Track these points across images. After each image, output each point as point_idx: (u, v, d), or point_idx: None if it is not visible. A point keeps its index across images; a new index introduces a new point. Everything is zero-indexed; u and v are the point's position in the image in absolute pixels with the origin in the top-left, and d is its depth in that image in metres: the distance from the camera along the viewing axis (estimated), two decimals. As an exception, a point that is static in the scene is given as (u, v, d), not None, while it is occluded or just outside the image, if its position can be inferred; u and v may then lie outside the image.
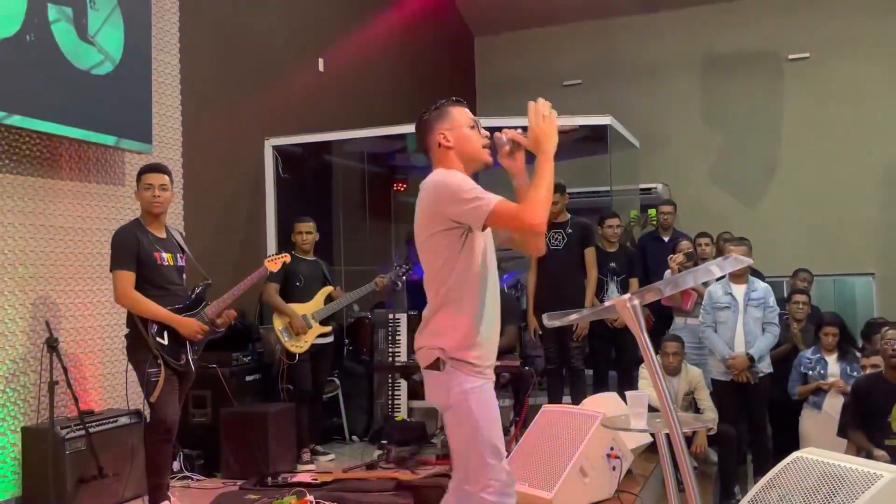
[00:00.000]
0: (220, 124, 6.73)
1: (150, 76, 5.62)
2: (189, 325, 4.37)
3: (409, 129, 7.82)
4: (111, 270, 4.39)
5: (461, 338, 2.75)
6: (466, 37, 11.72)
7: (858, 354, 6.09)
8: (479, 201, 2.61)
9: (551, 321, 2.66)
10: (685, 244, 6.91)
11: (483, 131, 2.90)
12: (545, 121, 2.65)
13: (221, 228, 6.73)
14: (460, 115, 2.89)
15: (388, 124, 7.66)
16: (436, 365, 2.76)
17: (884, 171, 9.87)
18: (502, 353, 6.20)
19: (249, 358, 6.11)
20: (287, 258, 5.43)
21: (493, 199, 2.61)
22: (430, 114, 2.91)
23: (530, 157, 2.82)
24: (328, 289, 6.11)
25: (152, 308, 4.31)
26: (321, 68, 8.21)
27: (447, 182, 2.74)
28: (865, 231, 9.80)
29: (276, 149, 7.41)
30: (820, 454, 3.32)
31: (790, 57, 10.28)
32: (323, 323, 5.96)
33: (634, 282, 6.71)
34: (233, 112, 6.91)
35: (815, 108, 10.15)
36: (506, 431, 6.35)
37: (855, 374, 5.82)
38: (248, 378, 6.00)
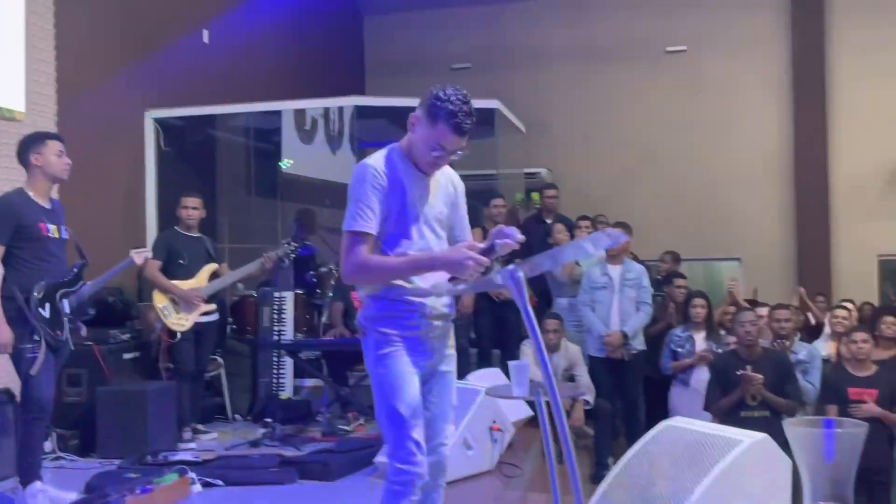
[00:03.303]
0: (99, 93, 6.47)
1: (21, 40, 5.35)
2: None
3: (297, 104, 7.81)
4: None
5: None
6: (356, 15, 11.65)
7: (723, 333, 6.45)
8: None
9: (438, 292, 2.73)
10: (559, 227, 7.13)
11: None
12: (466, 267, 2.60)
13: (99, 201, 6.48)
14: None
15: (275, 99, 7.55)
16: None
17: (751, 161, 10.48)
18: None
19: (128, 335, 5.94)
20: (149, 253, 5.48)
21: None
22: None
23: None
24: (213, 266, 5.99)
25: None
26: (206, 39, 8.00)
27: None
28: (733, 217, 10.38)
29: (158, 121, 7.20)
30: (687, 423, 3.53)
31: (668, 49, 10.74)
32: (207, 300, 5.85)
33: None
34: (113, 81, 6.65)
35: (690, 99, 10.65)
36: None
37: (720, 351, 6.17)
38: (126, 356, 5.84)
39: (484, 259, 2.59)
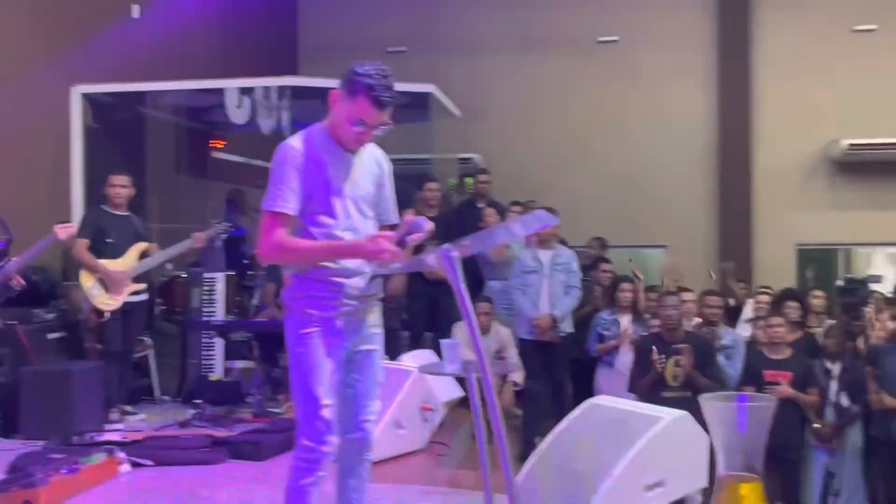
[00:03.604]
0: (26, 68, 6.29)
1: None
2: None
3: (229, 83, 7.70)
4: None
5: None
6: (290, -6, 11.53)
7: (647, 317, 6.65)
8: None
9: (376, 270, 2.76)
10: (489, 211, 7.23)
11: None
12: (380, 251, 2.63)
13: (24, 178, 6.32)
14: None
15: (207, 78, 7.44)
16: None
17: (679, 151, 10.77)
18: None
19: (53, 315, 5.82)
20: (73, 228, 5.35)
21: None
22: None
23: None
24: (142, 245, 5.90)
25: None
26: (136, 15, 7.82)
27: None
28: (660, 206, 10.66)
29: (86, 97, 7.02)
30: (610, 401, 3.67)
31: (600, 39, 10.92)
32: (135, 280, 5.76)
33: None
34: (40, 56, 6.46)
35: (622, 89, 10.87)
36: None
37: (644, 334, 6.37)
38: (51, 336, 5.73)
39: (398, 251, 2.62)
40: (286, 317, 2.85)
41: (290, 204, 2.71)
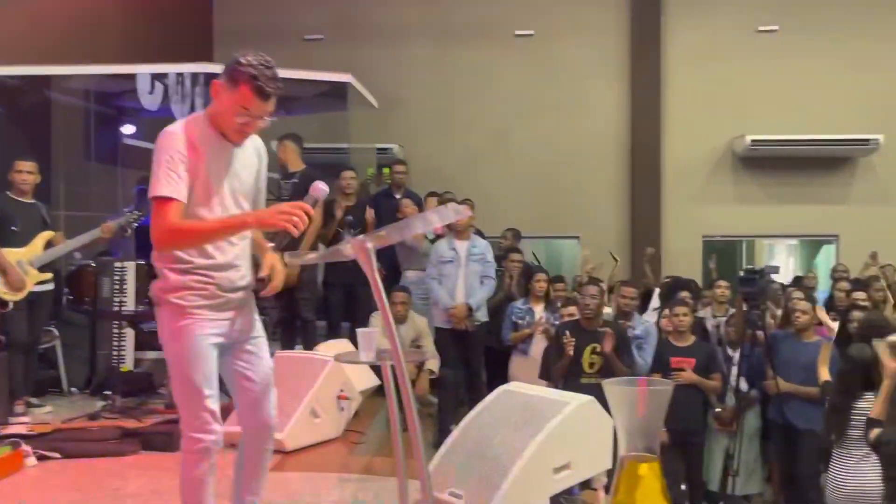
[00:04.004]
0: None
1: None
2: None
3: (141, 69, 7.52)
4: None
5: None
6: (204, -22, 11.30)
7: (559, 305, 6.82)
8: None
9: (292, 259, 2.78)
10: (406, 201, 7.29)
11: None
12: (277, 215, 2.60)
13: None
14: None
15: (118, 63, 7.25)
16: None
17: (592, 144, 11.02)
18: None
19: (-47, 305, 5.60)
20: None
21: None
22: None
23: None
24: (48, 234, 5.74)
25: None
26: (43, -5, 7.57)
27: None
28: (574, 197, 10.91)
29: (-11, 79, 6.77)
30: (522, 387, 3.78)
31: (517, 33, 11.08)
32: (42, 270, 5.60)
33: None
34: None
35: (538, 82, 11.05)
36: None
37: (556, 322, 6.53)
38: (-48, 326, 5.51)
39: (305, 205, 2.60)
40: (158, 310, 2.80)
41: (179, 189, 2.67)
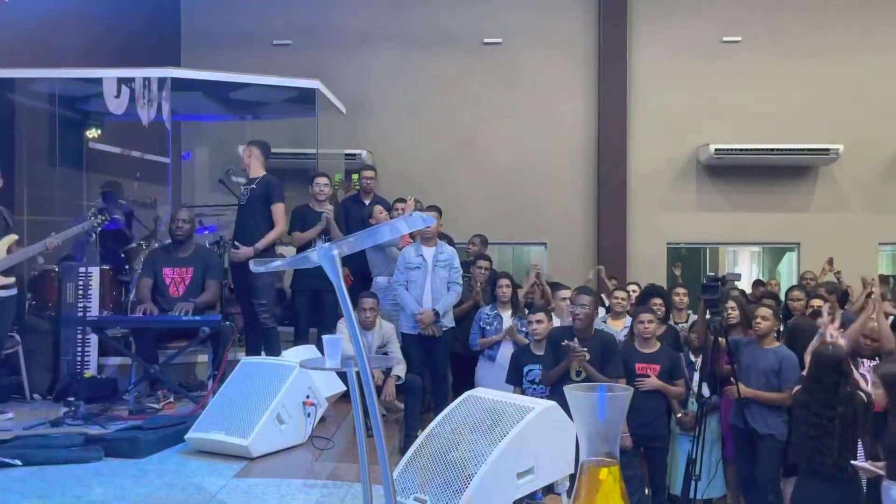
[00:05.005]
0: None
1: None
2: None
3: (107, 73, 7.48)
4: None
5: None
6: (172, -18, 11.23)
7: (527, 311, 6.87)
8: None
9: (257, 267, 2.79)
10: (378, 208, 7.32)
11: None
12: None
13: None
14: None
15: (83, 66, 7.19)
16: None
17: (560, 151, 11.13)
18: (205, 308, 6.23)
19: (-87, 311, 5.52)
20: None
21: None
22: None
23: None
24: (11, 238, 5.67)
25: None
26: (5, -2, 7.48)
27: None
28: (541, 204, 11.01)
29: (-50, 82, 6.68)
30: (487, 393, 3.81)
31: (485, 41, 11.16)
32: (4, 274, 5.54)
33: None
34: None
35: (506, 90, 11.14)
36: (203, 385, 6.41)
37: (524, 329, 6.57)
38: (-89, 333, 5.43)
39: None
40: None
41: None
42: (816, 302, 6.45)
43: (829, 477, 4.57)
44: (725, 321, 6.02)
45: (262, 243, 6.19)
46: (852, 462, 4.53)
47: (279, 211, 6.36)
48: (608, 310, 7.28)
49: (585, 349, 5.45)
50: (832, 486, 4.58)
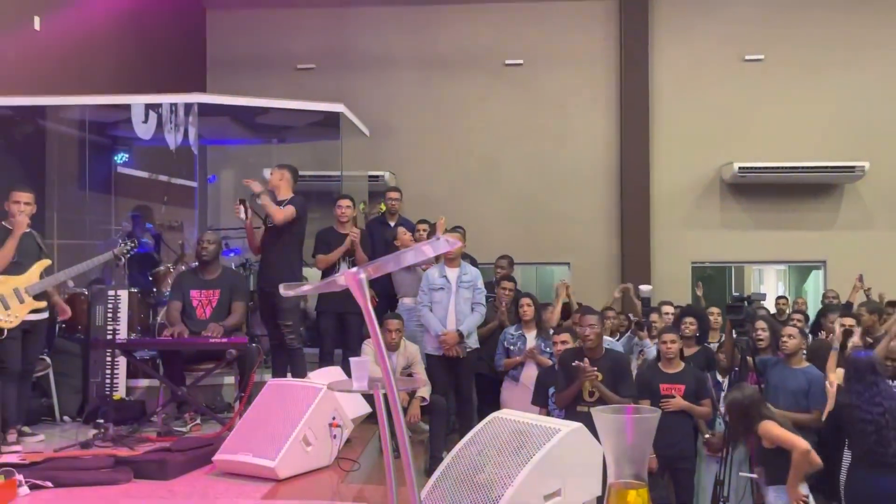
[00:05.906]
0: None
1: None
2: None
3: (135, 99, 7.62)
4: None
5: None
6: (198, 8, 11.41)
7: (552, 332, 6.87)
8: None
9: (286, 291, 2.82)
10: (402, 230, 7.36)
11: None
12: None
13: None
14: None
15: (112, 92, 7.33)
16: None
17: (582, 171, 11.14)
18: (232, 330, 6.28)
19: (-53, 334, 5.60)
20: None
21: None
22: None
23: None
24: (45, 262, 5.77)
25: None
26: (37, 27, 7.65)
27: None
28: (564, 224, 11.01)
29: (-16, 109, 6.83)
30: (513, 414, 3.80)
31: (506, 62, 11.22)
32: (37, 298, 5.63)
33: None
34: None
35: (528, 110, 11.19)
36: (229, 407, 6.45)
37: (548, 349, 6.57)
38: (-55, 356, 5.51)
39: None
40: None
41: None
42: (848, 321, 6.38)
43: (889, 468, 4.69)
44: (754, 342, 5.99)
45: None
46: None
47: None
48: (640, 327, 7.26)
49: (595, 368, 5.44)
50: (890, 478, 4.69)
